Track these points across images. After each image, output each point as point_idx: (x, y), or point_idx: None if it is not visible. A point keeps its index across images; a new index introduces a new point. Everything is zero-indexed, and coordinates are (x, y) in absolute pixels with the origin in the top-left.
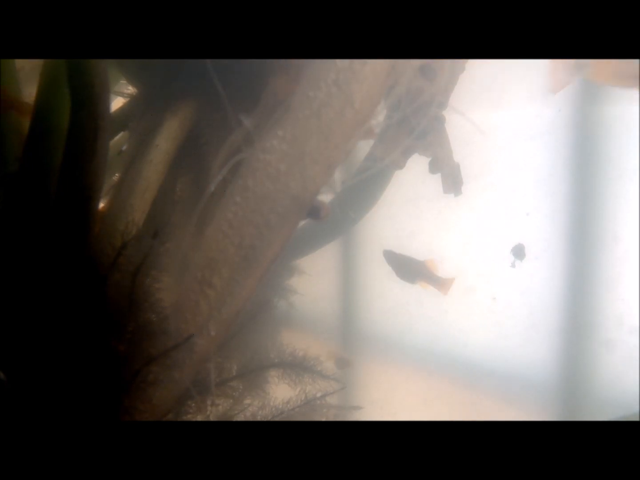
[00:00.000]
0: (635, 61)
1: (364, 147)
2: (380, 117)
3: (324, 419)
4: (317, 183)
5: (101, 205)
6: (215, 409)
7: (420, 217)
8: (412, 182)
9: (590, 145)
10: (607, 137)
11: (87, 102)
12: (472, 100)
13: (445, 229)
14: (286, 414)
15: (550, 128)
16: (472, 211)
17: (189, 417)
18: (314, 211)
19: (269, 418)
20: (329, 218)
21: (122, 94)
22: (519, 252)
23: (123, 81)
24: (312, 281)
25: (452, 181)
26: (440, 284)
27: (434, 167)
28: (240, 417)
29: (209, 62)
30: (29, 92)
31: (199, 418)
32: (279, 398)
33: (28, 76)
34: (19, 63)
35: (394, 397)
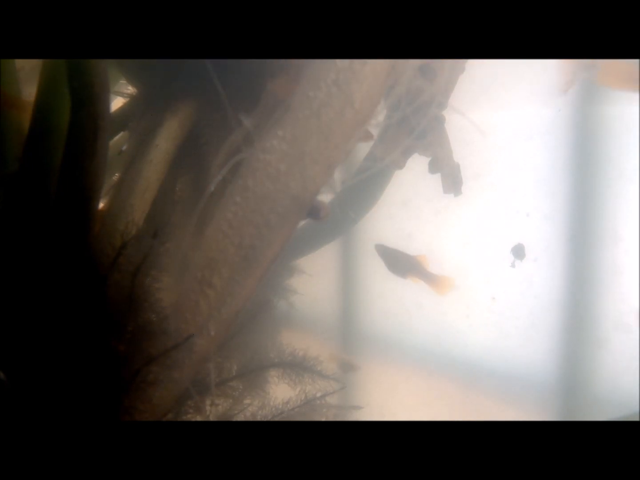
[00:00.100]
0: None
1: (364, 147)
2: (380, 117)
3: (323, 419)
4: (317, 183)
5: (101, 205)
6: (215, 409)
7: (419, 217)
8: (412, 182)
9: (590, 145)
10: (606, 137)
11: (86, 102)
12: (472, 100)
13: (445, 229)
14: (286, 414)
15: (550, 128)
16: (472, 211)
17: (189, 417)
18: (314, 211)
19: (269, 418)
20: (329, 218)
21: (122, 94)
22: (518, 252)
23: (123, 81)
24: (312, 281)
25: (452, 181)
26: (435, 282)
27: (433, 167)
28: (240, 417)
29: (209, 62)
30: (29, 92)
31: (199, 418)
32: (279, 398)
33: (28, 76)
34: (19, 63)
35: (394, 397)
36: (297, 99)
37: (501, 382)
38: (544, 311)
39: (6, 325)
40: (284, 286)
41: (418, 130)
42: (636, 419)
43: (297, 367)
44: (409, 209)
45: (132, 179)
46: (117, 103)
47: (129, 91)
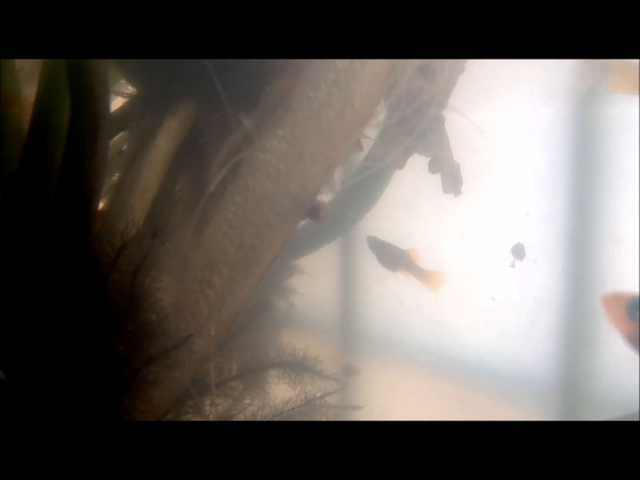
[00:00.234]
0: None
1: (364, 147)
2: (380, 117)
3: (323, 419)
4: (317, 183)
5: (101, 205)
6: (215, 409)
7: (419, 217)
8: (412, 182)
9: (590, 146)
10: (606, 137)
11: (86, 102)
12: (472, 100)
13: (445, 229)
14: (286, 414)
15: (550, 128)
16: (472, 211)
17: (189, 417)
18: (313, 211)
19: (269, 418)
20: (329, 218)
21: (122, 94)
22: (518, 252)
23: (123, 81)
24: (312, 281)
25: (452, 181)
26: (425, 277)
27: (433, 167)
28: (240, 417)
29: (209, 62)
30: (29, 92)
31: (198, 418)
32: (278, 398)
33: (28, 76)
34: (19, 63)
35: (394, 397)
36: (297, 99)
37: (501, 382)
38: (544, 311)
39: (6, 325)
40: (284, 286)
41: (418, 130)
42: (636, 419)
43: (297, 367)
44: (409, 208)
45: (132, 179)
46: (117, 103)
47: (129, 91)
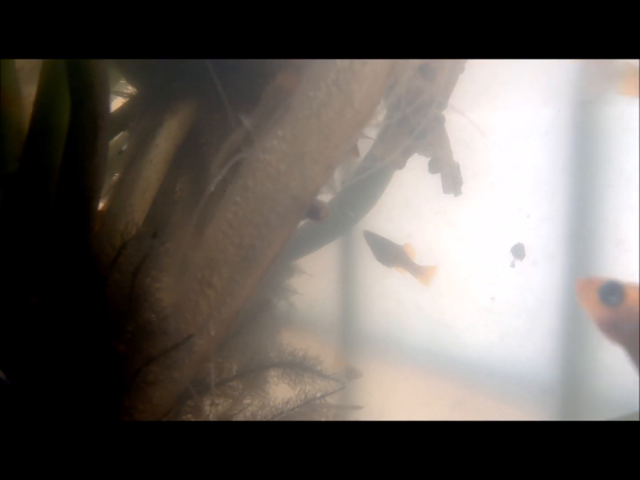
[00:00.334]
0: None
1: (364, 147)
2: (380, 117)
3: (323, 419)
4: (317, 183)
5: (101, 205)
6: (215, 409)
7: (419, 217)
8: (412, 182)
9: (590, 146)
10: (607, 137)
11: (86, 102)
12: (472, 100)
13: (445, 228)
14: (286, 414)
15: (550, 128)
16: (472, 211)
17: (189, 417)
18: (313, 211)
19: (269, 418)
20: (329, 218)
21: (122, 94)
22: (518, 251)
23: (123, 81)
24: (312, 281)
25: (452, 181)
26: (419, 272)
27: (433, 167)
28: (240, 417)
29: (209, 62)
30: (29, 92)
31: (198, 418)
32: (278, 398)
33: (28, 76)
34: (19, 63)
35: (394, 397)
36: (297, 99)
37: (501, 382)
38: (544, 311)
39: (6, 325)
40: (284, 286)
41: (418, 130)
42: (636, 419)
43: (297, 367)
44: (409, 208)
45: (132, 179)
46: (117, 103)
47: (129, 91)
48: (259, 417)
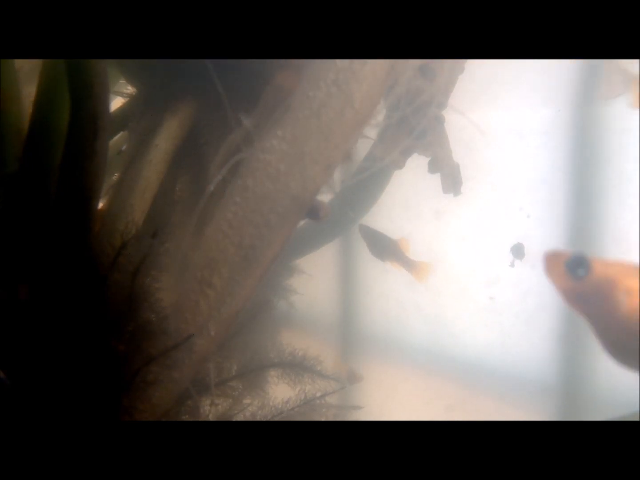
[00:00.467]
0: None
1: (364, 147)
2: (380, 117)
3: (323, 419)
4: (317, 183)
5: (101, 205)
6: (214, 409)
7: (419, 216)
8: (412, 182)
9: (590, 146)
10: (607, 137)
11: (86, 102)
12: (472, 100)
13: (444, 228)
14: (286, 414)
15: (550, 128)
16: (471, 211)
17: (189, 417)
18: (313, 211)
19: (269, 418)
20: (329, 218)
21: (122, 94)
22: (518, 251)
23: (123, 81)
24: (312, 281)
25: (452, 181)
26: (413, 267)
27: (433, 167)
28: (240, 417)
29: (209, 62)
30: (29, 92)
31: (198, 418)
32: (278, 398)
33: (28, 76)
34: (19, 63)
35: (394, 397)
36: (297, 99)
37: (501, 382)
38: (544, 311)
39: (6, 325)
40: (284, 286)
41: (418, 130)
42: (636, 419)
43: (297, 367)
44: (409, 208)
45: (132, 179)
46: (117, 103)
47: (128, 91)
48: (258, 417)
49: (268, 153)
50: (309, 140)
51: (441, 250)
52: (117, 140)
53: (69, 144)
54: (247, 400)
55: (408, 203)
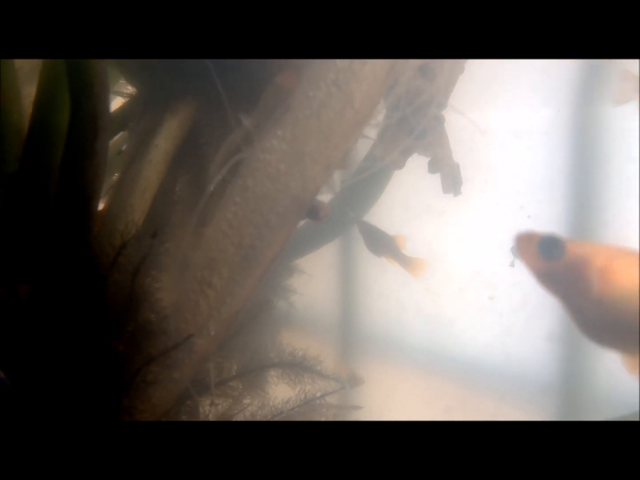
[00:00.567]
0: None
1: (364, 147)
2: (380, 117)
3: (323, 419)
4: (317, 183)
5: (101, 205)
6: (214, 409)
7: (419, 217)
8: (412, 182)
9: (590, 146)
10: (607, 137)
11: (86, 102)
12: (472, 100)
13: (444, 228)
14: (286, 414)
15: (550, 128)
16: (471, 211)
17: (188, 417)
18: (313, 211)
19: (269, 418)
20: (329, 218)
21: (121, 94)
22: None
23: (123, 81)
24: (312, 281)
25: (452, 181)
26: (408, 263)
27: (433, 167)
28: (240, 417)
29: (209, 62)
30: (29, 92)
31: (198, 418)
32: (278, 398)
33: (28, 76)
34: (19, 63)
35: (394, 397)
36: (297, 99)
37: (501, 382)
38: (543, 310)
39: (6, 325)
40: (284, 286)
41: (418, 130)
42: (636, 419)
43: (297, 367)
44: (409, 208)
45: (132, 179)
46: (117, 103)
47: (128, 91)
48: (258, 417)
49: (268, 153)
50: (309, 140)
51: (441, 250)
52: (117, 140)
53: (69, 144)
54: (247, 400)
55: (408, 203)
